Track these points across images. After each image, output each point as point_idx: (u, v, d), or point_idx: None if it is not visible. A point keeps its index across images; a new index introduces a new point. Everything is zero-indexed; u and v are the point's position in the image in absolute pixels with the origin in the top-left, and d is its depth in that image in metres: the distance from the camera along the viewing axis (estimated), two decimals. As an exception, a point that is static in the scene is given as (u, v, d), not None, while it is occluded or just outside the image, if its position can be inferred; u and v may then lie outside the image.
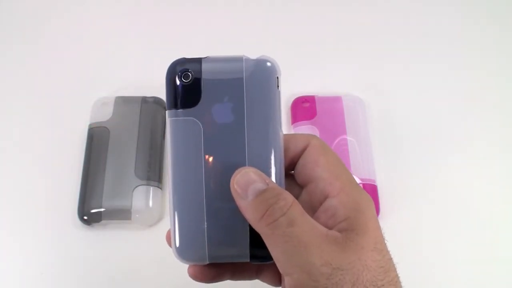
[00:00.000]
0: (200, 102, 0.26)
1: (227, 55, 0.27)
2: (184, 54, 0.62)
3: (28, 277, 0.45)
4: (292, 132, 0.53)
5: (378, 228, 0.25)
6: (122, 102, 0.53)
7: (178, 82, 0.27)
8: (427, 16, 0.63)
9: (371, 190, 0.49)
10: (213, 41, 0.60)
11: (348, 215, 0.25)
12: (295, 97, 0.55)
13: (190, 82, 0.27)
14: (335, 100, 0.54)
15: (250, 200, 0.25)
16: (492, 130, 0.54)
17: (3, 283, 0.45)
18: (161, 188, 0.49)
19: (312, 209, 0.26)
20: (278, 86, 0.27)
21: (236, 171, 0.25)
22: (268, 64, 0.27)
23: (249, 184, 0.25)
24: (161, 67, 0.59)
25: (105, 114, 0.52)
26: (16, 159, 0.52)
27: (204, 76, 0.26)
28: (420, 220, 0.49)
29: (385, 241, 0.25)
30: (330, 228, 0.25)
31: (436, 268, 0.47)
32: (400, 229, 0.48)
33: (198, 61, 0.27)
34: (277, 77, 0.27)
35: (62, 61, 0.59)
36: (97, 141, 0.51)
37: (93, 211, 0.47)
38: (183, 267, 0.28)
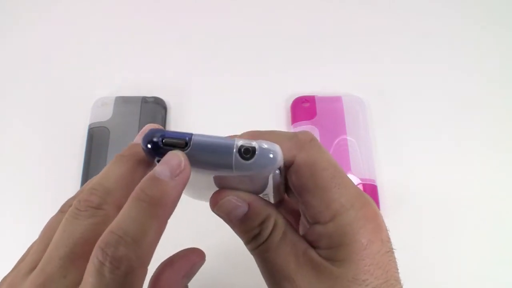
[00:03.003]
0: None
1: (216, 140, 0.21)
2: (184, 53, 0.62)
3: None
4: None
5: (368, 256, 0.23)
6: (122, 102, 0.53)
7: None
8: (427, 16, 0.63)
9: (371, 190, 0.49)
10: (212, 41, 0.60)
11: (331, 245, 0.23)
12: (295, 97, 0.55)
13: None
14: (335, 100, 0.54)
15: (234, 226, 0.25)
16: (493, 129, 0.54)
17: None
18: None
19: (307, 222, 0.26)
20: (279, 170, 0.23)
21: (214, 196, 0.24)
22: (271, 155, 0.21)
23: (230, 212, 0.24)
24: (161, 67, 0.59)
25: (105, 114, 0.52)
26: (16, 159, 0.52)
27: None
28: (420, 220, 0.49)
29: (378, 266, 0.23)
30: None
31: (437, 268, 0.47)
32: (400, 229, 0.48)
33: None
34: (279, 167, 0.22)
35: (62, 61, 0.59)
36: (97, 141, 0.51)
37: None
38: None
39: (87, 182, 0.24)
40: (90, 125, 0.52)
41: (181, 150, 0.21)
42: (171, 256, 0.26)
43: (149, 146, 0.21)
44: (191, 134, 0.21)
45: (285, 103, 0.55)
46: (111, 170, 0.22)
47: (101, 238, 0.19)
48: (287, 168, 0.24)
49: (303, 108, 0.54)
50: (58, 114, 0.55)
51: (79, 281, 0.19)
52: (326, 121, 0.53)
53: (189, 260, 0.25)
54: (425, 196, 0.50)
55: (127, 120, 0.52)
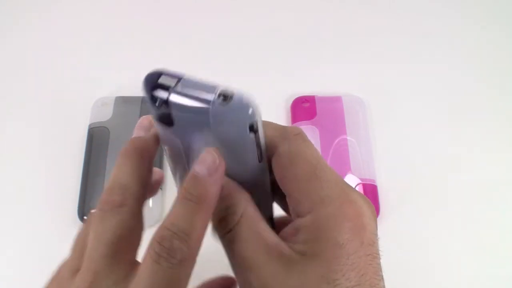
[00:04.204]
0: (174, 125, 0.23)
1: (202, 82, 0.22)
2: (184, 53, 0.62)
3: (28, 277, 0.45)
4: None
5: (342, 256, 0.21)
6: (122, 102, 0.53)
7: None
8: (427, 16, 0.63)
9: (371, 190, 0.49)
10: (212, 41, 0.60)
11: (306, 240, 0.22)
12: (295, 97, 0.55)
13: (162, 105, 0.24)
14: (335, 100, 0.54)
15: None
16: (494, 129, 0.54)
17: (2, 283, 0.45)
18: (161, 188, 0.49)
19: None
20: (253, 131, 0.22)
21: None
22: (244, 101, 0.22)
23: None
24: (161, 67, 0.59)
25: (105, 114, 0.52)
26: (16, 159, 0.52)
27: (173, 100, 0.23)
28: (420, 220, 0.49)
29: (351, 268, 0.21)
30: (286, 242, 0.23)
31: (437, 268, 0.47)
32: (400, 229, 0.48)
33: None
34: (252, 124, 0.22)
35: (62, 61, 0.59)
36: (97, 141, 0.51)
37: (93, 211, 0.47)
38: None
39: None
40: (90, 125, 0.52)
41: (170, 86, 0.23)
42: (205, 283, 0.27)
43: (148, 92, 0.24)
44: (184, 74, 0.23)
45: (285, 103, 0.55)
46: (122, 167, 0.24)
47: (156, 233, 0.22)
48: (270, 157, 0.24)
49: (303, 108, 0.54)
50: (58, 114, 0.55)
51: (125, 274, 0.22)
52: (326, 121, 0.53)
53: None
54: (425, 196, 0.50)
55: (127, 120, 0.52)
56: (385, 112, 0.55)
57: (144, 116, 0.26)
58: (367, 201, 0.24)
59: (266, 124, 0.25)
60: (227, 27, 0.61)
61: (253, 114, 0.22)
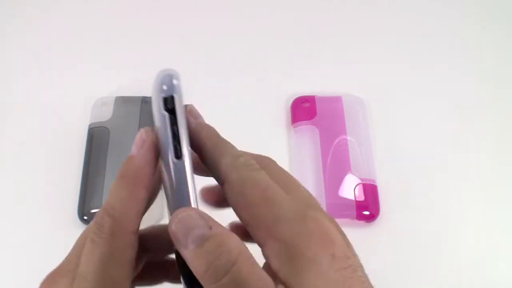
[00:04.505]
0: None
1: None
2: (184, 53, 0.62)
3: (28, 277, 0.45)
4: (292, 133, 0.53)
5: (319, 272, 0.21)
6: (122, 102, 0.53)
7: None
8: (427, 16, 0.63)
9: (371, 190, 0.49)
10: (212, 41, 0.60)
11: (280, 267, 0.21)
12: (295, 97, 0.55)
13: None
14: (335, 100, 0.54)
15: (191, 252, 0.21)
16: (494, 129, 0.54)
17: (2, 284, 0.45)
18: (161, 188, 0.49)
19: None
20: (168, 111, 0.22)
21: (173, 215, 0.22)
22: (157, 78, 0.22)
23: (190, 230, 0.21)
24: (161, 67, 0.59)
25: (105, 114, 0.52)
26: (16, 159, 0.52)
27: None
28: (420, 220, 0.49)
29: (335, 274, 0.21)
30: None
31: (437, 268, 0.47)
32: (400, 229, 0.48)
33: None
34: (165, 98, 0.22)
35: (62, 61, 0.59)
36: (97, 141, 0.51)
37: (93, 211, 0.47)
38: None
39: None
40: (90, 125, 0.52)
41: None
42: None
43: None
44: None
45: (285, 103, 0.55)
46: (117, 191, 0.24)
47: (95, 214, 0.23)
48: (221, 184, 0.24)
49: (303, 108, 0.54)
50: (58, 114, 0.55)
51: None
52: (326, 121, 0.53)
53: None
54: (425, 196, 0.50)
55: (127, 120, 0.52)
56: (385, 112, 0.55)
57: (141, 129, 0.24)
58: (329, 217, 0.23)
59: (220, 148, 0.24)
60: (227, 27, 0.61)
61: (168, 89, 0.22)
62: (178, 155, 0.23)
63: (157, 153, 0.23)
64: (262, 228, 0.22)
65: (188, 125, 0.23)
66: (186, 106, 0.24)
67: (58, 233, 0.47)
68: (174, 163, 0.23)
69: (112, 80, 0.56)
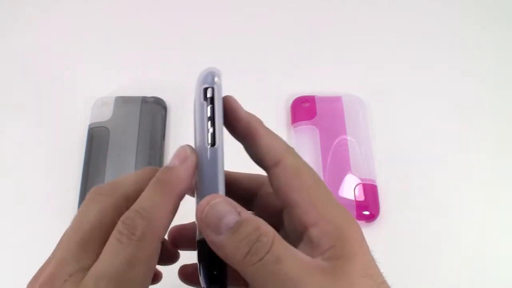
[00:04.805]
0: None
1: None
2: (184, 53, 0.62)
3: (28, 277, 0.45)
4: (292, 133, 0.53)
5: (367, 252, 0.23)
6: (122, 102, 0.53)
7: None
8: (427, 16, 0.62)
9: (371, 190, 0.49)
10: (212, 40, 0.60)
11: (333, 244, 0.23)
12: (295, 97, 0.55)
13: None
14: (335, 100, 0.54)
15: (226, 238, 0.22)
16: (494, 130, 0.54)
17: (2, 284, 0.45)
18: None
19: (294, 236, 0.25)
20: (206, 100, 0.25)
21: (202, 202, 0.23)
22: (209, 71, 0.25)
23: (221, 218, 0.22)
24: (161, 67, 0.59)
25: (105, 114, 0.52)
26: (16, 159, 0.52)
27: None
28: (420, 220, 0.49)
29: (377, 264, 0.24)
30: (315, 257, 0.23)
31: (437, 268, 0.47)
32: (400, 229, 0.48)
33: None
34: (205, 88, 0.25)
35: (62, 61, 0.59)
36: (97, 141, 0.51)
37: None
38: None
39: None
40: (90, 125, 0.52)
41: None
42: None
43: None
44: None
45: (285, 103, 0.55)
46: (151, 197, 0.24)
47: (124, 215, 0.22)
48: (272, 165, 0.25)
49: (303, 108, 0.54)
50: (58, 114, 0.55)
51: (92, 263, 0.22)
52: (326, 121, 0.53)
53: None
54: (425, 196, 0.50)
55: (127, 120, 0.52)
56: (385, 112, 0.55)
57: (182, 146, 0.25)
58: None
59: (272, 135, 0.26)
60: (227, 27, 0.61)
61: (209, 80, 0.25)
62: (213, 142, 0.24)
63: (195, 172, 0.24)
64: (315, 210, 0.24)
65: (238, 113, 0.25)
66: (228, 96, 0.26)
67: (58, 233, 0.47)
68: (208, 149, 0.24)
69: (112, 80, 0.56)
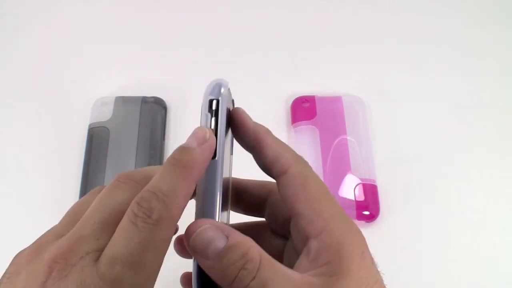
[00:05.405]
0: None
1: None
2: (184, 53, 0.62)
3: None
4: (292, 133, 0.53)
5: (366, 266, 0.23)
6: (122, 102, 0.53)
7: None
8: (427, 16, 0.62)
9: (371, 190, 0.49)
10: (212, 41, 0.60)
11: (329, 260, 0.23)
12: (295, 97, 0.55)
13: None
14: (335, 100, 0.54)
15: (213, 263, 0.22)
16: (494, 130, 0.54)
17: (3, 283, 0.45)
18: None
19: (300, 245, 0.25)
20: (211, 112, 0.24)
21: (190, 227, 0.23)
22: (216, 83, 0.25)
23: (208, 244, 0.22)
24: (161, 67, 0.59)
25: (105, 114, 0.52)
26: (16, 159, 0.52)
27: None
28: (420, 220, 0.49)
29: (376, 275, 0.23)
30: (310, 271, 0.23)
31: (436, 268, 0.47)
32: (400, 229, 0.48)
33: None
34: (211, 100, 0.24)
35: (62, 61, 0.59)
36: (97, 141, 0.51)
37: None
38: (181, 269, 0.29)
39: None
40: (90, 125, 0.52)
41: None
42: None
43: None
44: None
45: (285, 103, 0.55)
46: (166, 177, 0.23)
47: (137, 195, 0.21)
48: (280, 174, 0.25)
49: (303, 108, 0.54)
50: (58, 114, 0.55)
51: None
52: (326, 121, 0.53)
53: None
54: (425, 196, 0.50)
55: (127, 120, 0.52)
56: (385, 112, 0.55)
57: (199, 127, 0.24)
58: None
59: (280, 144, 0.26)
60: (227, 27, 0.61)
61: (215, 92, 0.24)
62: (214, 154, 0.24)
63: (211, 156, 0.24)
64: (318, 221, 0.24)
65: (246, 124, 0.26)
66: (237, 108, 0.26)
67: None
68: (209, 162, 0.24)
69: (112, 80, 0.57)
